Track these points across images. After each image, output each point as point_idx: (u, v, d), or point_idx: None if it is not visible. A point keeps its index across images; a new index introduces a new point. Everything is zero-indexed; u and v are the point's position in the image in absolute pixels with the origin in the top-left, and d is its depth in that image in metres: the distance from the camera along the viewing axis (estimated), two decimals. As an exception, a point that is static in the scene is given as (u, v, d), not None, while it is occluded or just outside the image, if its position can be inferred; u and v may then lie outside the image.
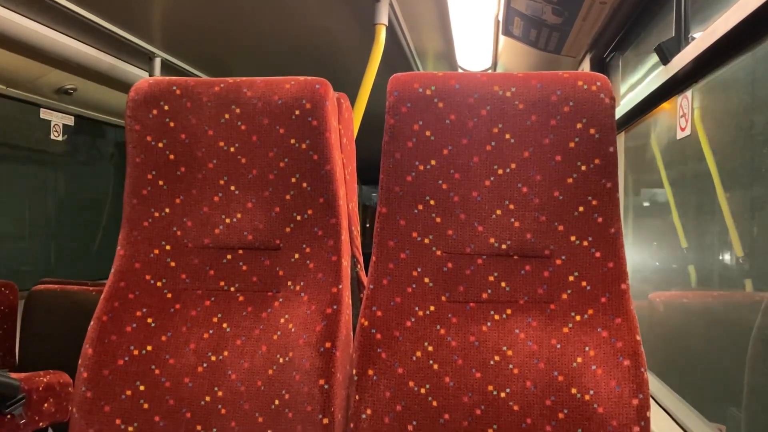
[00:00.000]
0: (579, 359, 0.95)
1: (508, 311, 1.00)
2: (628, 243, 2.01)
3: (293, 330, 1.04)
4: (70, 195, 3.24)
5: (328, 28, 2.29)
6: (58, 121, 3.00)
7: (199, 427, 1.02)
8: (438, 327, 1.00)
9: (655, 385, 1.63)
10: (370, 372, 0.97)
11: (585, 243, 0.99)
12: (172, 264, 1.11)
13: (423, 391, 0.97)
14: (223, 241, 1.11)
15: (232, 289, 1.10)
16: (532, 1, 1.95)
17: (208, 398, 1.03)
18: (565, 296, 0.99)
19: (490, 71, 3.20)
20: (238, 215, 1.10)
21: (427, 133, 1.02)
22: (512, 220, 1.01)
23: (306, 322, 1.04)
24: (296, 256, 1.09)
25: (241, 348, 1.05)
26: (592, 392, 0.93)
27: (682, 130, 1.44)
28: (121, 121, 3.21)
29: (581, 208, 0.99)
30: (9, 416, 1.61)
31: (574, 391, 0.94)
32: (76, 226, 3.28)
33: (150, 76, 2.52)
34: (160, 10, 2.10)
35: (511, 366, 0.97)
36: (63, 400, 1.82)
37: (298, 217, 1.09)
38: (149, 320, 1.08)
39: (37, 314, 2.11)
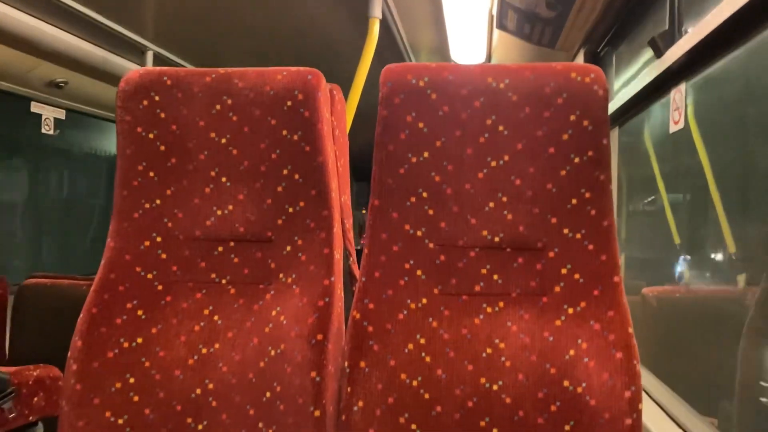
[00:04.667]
0: (571, 352, 0.95)
1: (501, 304, 1.00)
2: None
3: (285, 322, 1.03)
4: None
5: (322, 21, 2.28)
6: (49, 114, 2.97)
7: (189, 420, 1.01)
8: (430, 319, 1.00)
9: (646, 378, 1.64)
10: (362, 364, 0.97)
11: (578, 236, 0.99)
12: (163, 256, 1.10)
13: (415, 383, 0.96)
14: (214, 232, 1.10)
15: (224, 281, 1.09)
16: (526, -5, 1.94)
17: (198, 391, 1.02)
18: (557, 289, 0.99)
19: (484, 66, 3.19)
20: (230, 207, 1.10)
21: (420, 125, 1.01)
22: (505, 212, 1.01)
23: (298, 314, 1.03)
24: (288, 248, 1.08)
25: (233, 340, 1.05)
26: (584, 385, 0.93)
27: (675, 123, 1.44)
28: (113, 115, 3.19)
29: (574, 201, 0.99)
30: (-1, 410, 1.60)
31: (566, 383, 0.94)
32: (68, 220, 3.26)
33: (142, 69, 2.50)
34: (152, 3, 2.08)
35: (503, 358, 0.96)
36: (53, 394, 1.80)
37: (290, 209, 1.09)
38: (139, 312, 1.07)
39: (28, 308, 2.10)
